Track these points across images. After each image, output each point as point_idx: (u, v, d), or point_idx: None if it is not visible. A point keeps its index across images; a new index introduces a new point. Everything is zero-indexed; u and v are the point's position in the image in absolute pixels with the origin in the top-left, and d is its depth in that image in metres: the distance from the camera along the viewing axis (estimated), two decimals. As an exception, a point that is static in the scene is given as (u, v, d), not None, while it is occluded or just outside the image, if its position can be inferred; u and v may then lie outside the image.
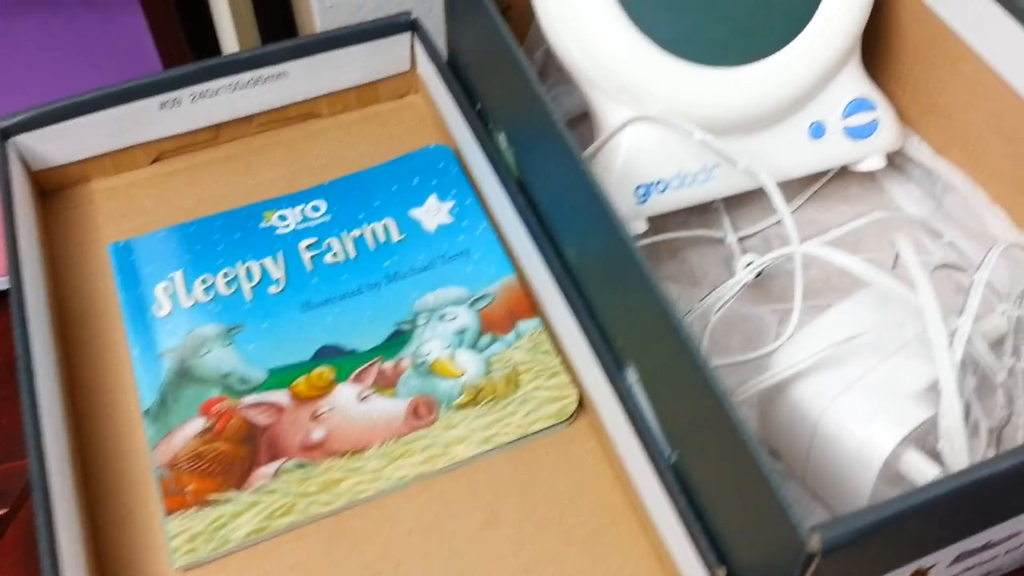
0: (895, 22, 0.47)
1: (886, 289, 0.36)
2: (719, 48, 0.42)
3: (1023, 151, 0.42)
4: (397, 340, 0.43)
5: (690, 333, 0.30)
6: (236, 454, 0.39)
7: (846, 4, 0.43)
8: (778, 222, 0.48)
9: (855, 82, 0.45)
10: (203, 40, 0.66)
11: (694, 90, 0.42)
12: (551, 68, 0.54)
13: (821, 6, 0.43)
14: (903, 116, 0.49)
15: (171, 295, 0.44)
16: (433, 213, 0.47)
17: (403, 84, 0.53)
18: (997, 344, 0.42)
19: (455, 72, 0.49)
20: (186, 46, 0.63)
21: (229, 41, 0.62)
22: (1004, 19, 0.40)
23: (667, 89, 0.42)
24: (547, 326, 0.43)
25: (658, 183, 0.44)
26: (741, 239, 0.48)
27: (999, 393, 0.37)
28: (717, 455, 0.31)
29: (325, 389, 0.41)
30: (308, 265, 0.45)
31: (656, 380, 0.35)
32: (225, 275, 0.45)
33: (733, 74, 0.42)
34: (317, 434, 0.40)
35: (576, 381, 0.41)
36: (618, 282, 0.36)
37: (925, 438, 0.36)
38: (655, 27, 0.42)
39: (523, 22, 0.43)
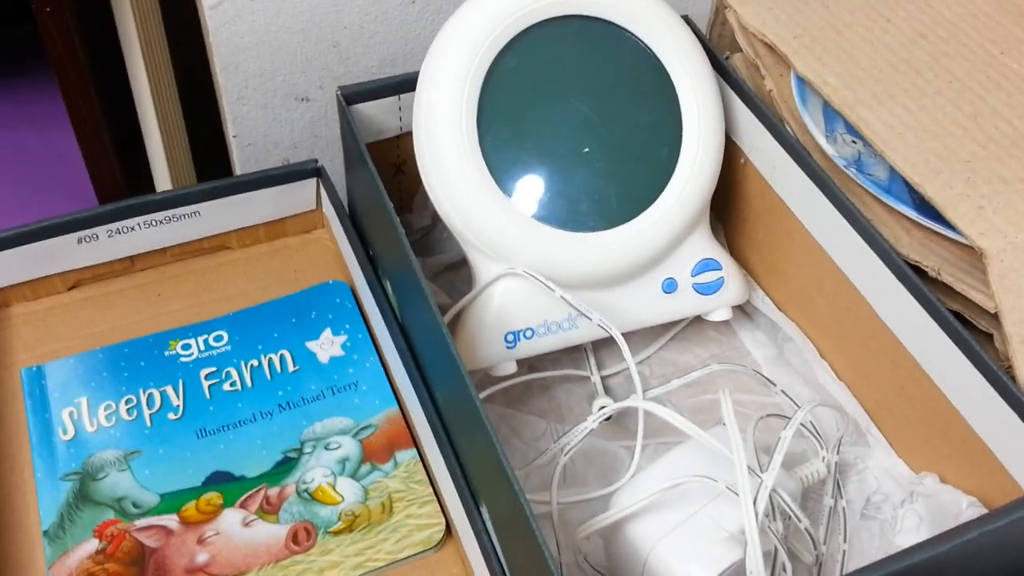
0: (745, 194, 0.53)
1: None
2: (581, 216, 0.48)
3: (842, 313, 0.48)
4: (284, 467, 0.47)
5: (521, 493, 0.35)
6: (125, 575, 0.43)
7: (694, 178, 0.49)
8: (641, 362, 0.54)
9: (703, 245, 0.51)
10: (138, 164, 0.71)
11: (559, 252, 0.47)
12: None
13: (672, 180, 0.49)
14: (752, 273, 0.55)
15: (76, 420, 0.48)
16: (327, 346, 0.52)
17: (310, 220, 0.57)
18: (819, 485, 0.48)
19: (353, 217, 0.54)
20: (118, 171, 0.67)
21: (161, 174, 0.67)
22: (822, 200, 0.47)
23: (535, 251, 0.47)
24: (423, 457, 0.48)
25: (527, 330, 0.49)
26: (605, 377, 0.53)
27: (808, 536, 0.42)
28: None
29: (212, 514, 0.45)
30: (207, 393, 0.49)
31: (499, 523, 0.39)
32: (127, 402, 0.48)
33: (594, 239, 0.48)
34: (201, 558, 0.43)
35: (445, 511, 0.46)
36: (469, 432, 0.40)
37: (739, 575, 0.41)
38: (524, 197, 0.47)
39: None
